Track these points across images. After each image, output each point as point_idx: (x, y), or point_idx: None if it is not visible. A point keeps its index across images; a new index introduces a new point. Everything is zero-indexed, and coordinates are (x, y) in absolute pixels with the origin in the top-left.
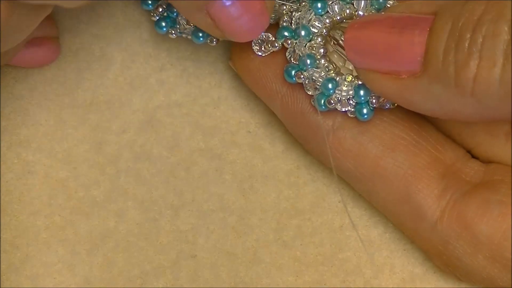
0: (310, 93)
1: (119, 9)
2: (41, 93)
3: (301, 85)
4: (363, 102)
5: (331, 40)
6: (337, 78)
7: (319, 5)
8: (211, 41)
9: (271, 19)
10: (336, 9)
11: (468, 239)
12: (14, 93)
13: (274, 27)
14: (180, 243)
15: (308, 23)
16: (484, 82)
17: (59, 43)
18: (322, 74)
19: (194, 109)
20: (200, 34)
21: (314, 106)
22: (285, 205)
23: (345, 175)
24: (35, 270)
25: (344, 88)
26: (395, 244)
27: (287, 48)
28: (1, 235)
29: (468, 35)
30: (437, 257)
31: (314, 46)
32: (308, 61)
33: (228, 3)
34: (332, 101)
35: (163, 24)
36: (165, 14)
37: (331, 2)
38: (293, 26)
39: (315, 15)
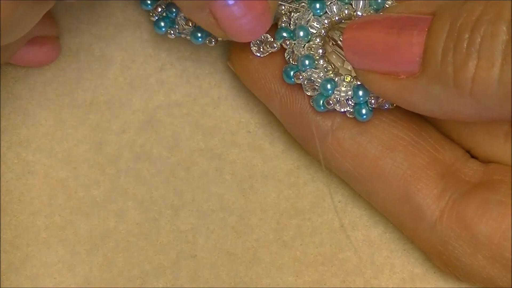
0: (309, 93)
1: (119, 9)
2: (41, 93)
3: (300, 85)
4: (362, 102)
5: (329, 41)
6: (336, 79)
7: (317, 5)
8: (210, 42)
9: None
10: (335, 9)
11: (467, 239)
12: (14, 93)
13: (273, 27)
14: (180, 243)
15: (307, 24)
16: (483, 83)
17: (60, 43)
18: (321, 74)
19: (194, 109)
20: (199, 35)
21: (313, 107)
22: (285, 205)
23: (344, 176)
24: (35, 270)
25: (343, 88)
26: (395, 244)
27: (285, 49)
28: (1, 235)
29: (467, 36)
30: (436, 257)
31: (312, 47)
32: (307, 62)
33: (230, 2)
34: (331, 102)
35: (162, 24)
36: (164, 14)
37: (329, 2)
38: (291, 27)
39: (313, 15)
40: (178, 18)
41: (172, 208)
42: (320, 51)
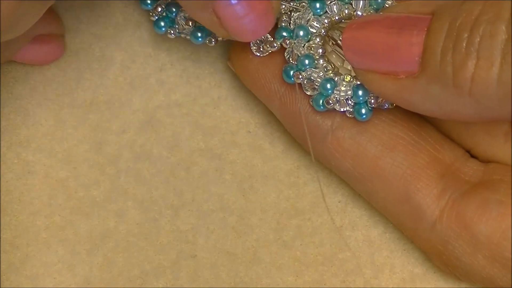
0: (308, 93)
1: (119, 9)
2: (41, 93)
3: (299, 85)
4: (361, 102)
5: (329, 40)
6: (336, 78)
7: (317, 5)
8: (210, 42)
9: None
10: (335, 9)
11: (467, 238)
12: (14, 93)
13: (273, 27)
14: (180, 243)
15: (307, 23)
16: (482, 82)
17: (64, 41)
18: (321, 74)
19: (194, 109)
20: (199, 34)
21: (312, 106)
22: (285, 205)
23: (344, 175)
24: (35, 270)
25: (343, 88)
26: (395, 244)
27: (285, 48)
28: (1, 235)
29: (466, 35)
30: (436, 257)
31: (312, 46)
32: (307, 61)
33: (233, 1)
34: (330, 101)
35: (162, 24)
36: (164, 14)
37: (329, 2)
38: (291, 26)
39: (313, 15)
40: (178, 18)
41: (172, 208)
42: (320, 50)
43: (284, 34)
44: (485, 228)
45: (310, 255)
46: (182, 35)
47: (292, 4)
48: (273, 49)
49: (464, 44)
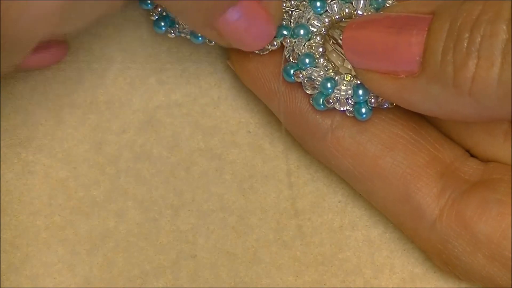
0: (308, 92)
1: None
2: (41, 93)
3: (299, 84)
4: (362, 101)
5: (330, 39)
6: (336, 78)
7: (318, 4)
8: (210, 41)
9: None
10: (335, 8)
11: (467, 238)
12: (14, 93)
13: None
14: (180, 243)
15: (307, 22)
16: (483, 82)
17: (68, 43)
18: (321, 73)
19: (194, 109)
20: (199, 34)
21: (312, 106)
22: (285, 205)
23: (344, 175)
24: (35, 270)
25: (343, 87)
26: (395, 244)
27: (285, 47)
28: (1, 235)
29: (467, 35)
30: (436, 256)
31: (313, 45)
32: (307, 60)
33: (233, 18)
34: (331, 101)
35: (162, 23)
36: (164, 13)
37: (330, 1)
38: (292, 25)
39: (314, 14)
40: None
41: (172, 208)
42: (321, 49)
43: (285, 32)
44: (484, 227)
45: (310, 255)
46: (182, 35)
47: (292, 2)
48: (273, 48)
49: (465, 44)
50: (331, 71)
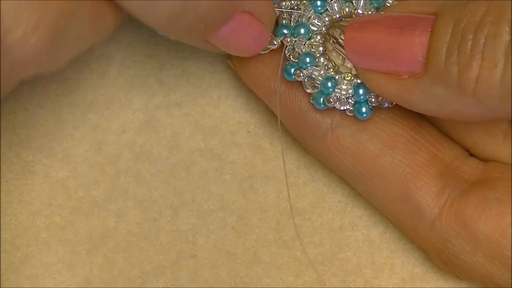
0: (309, 91)
1: None
2: (41, 93)
3: (299, 83)
4: (362, 101)
5: (330, 39)
6: (336, 77)
7: (318, 3)
8: None
9: None
10: (336, 7)
11: (466, 237)
12: (14, 93)
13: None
14: (180, 243)
15: (308, 21)
16: (486, 83)
17: None
18: (322, 72)
19: (194, 109)
20: None
21: (312, 105)
22: (285, 205)
23: (344, 174)
24: (35, 270)
25: (344, 86)
26: (395, 244)
27: (286, 46)
28: (1, 235)
29: (471, 36)
30: (436, 255)
31: (313, 44)
32: (308, 59)
33: (226, 33)
34: (331, 100)
35: None
36: None
37: (330, 0)
38: (292, 24)
39: (314, 13)
40: None
41: (172, 208)
42: (321, 48)
43: (285, 31)
44: (484, 227)
45: (310, 255)
46: None
47: (292, 1)
48: (273, 47)
49: (469, 45)
50: (331, 70)
